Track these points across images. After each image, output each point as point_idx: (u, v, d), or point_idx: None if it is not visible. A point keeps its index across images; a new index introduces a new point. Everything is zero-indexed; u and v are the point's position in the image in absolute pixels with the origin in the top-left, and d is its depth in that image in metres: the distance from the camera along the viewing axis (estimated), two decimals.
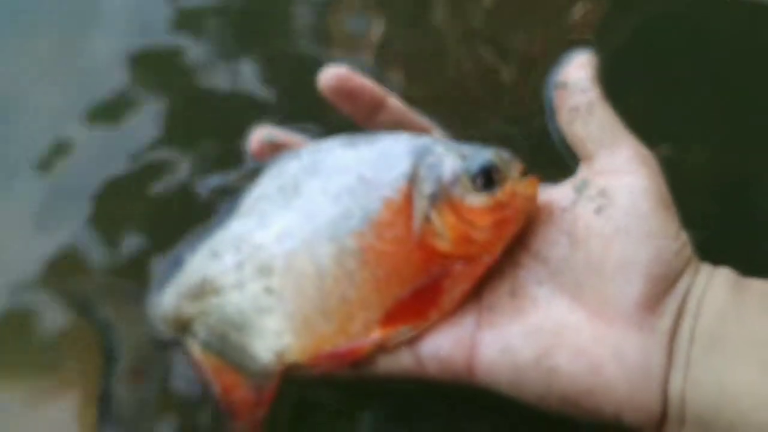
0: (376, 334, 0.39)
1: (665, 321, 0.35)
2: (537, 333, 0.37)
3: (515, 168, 0.39)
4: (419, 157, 0.40)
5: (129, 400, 0.44)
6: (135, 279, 0.46)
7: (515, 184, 0.39)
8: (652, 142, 0.40)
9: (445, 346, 0.38)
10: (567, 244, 0.38)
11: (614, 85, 0.42)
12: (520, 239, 0.40)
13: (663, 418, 0.35)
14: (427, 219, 0.38)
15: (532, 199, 0.39)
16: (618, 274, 0.36)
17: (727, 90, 0.47)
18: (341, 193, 0.39)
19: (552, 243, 0.39)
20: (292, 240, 0.39)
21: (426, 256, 0.39)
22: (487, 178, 0.38)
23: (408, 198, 0.39)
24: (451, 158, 0.39)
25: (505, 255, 0.40)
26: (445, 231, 0.38)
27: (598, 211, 0.37)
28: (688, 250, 0.37)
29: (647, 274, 0.36)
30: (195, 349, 0.42)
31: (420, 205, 0.39)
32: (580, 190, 0.39)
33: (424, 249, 0.39)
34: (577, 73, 0.41)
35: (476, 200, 0.38)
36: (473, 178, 0.38)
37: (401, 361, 0.39)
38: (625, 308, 0.36)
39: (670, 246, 0.36)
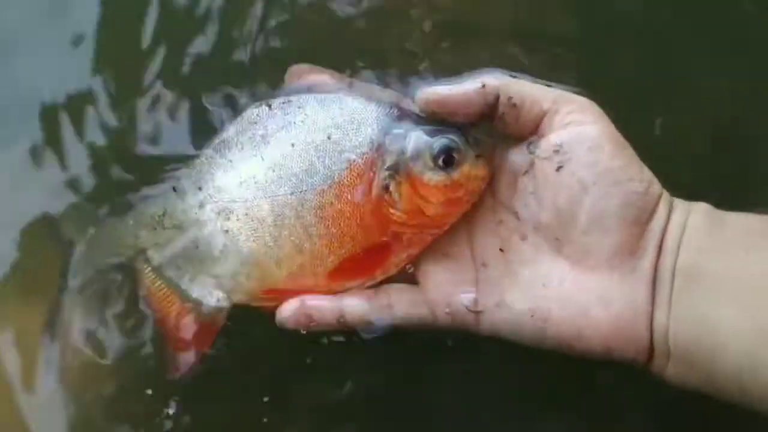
0: (323, 286, 0.41)
1: (645, 261, 0.37)
2: (526, 286, 0.39)
3: (474, 151, 0.41)
4: (386, 127, 0.41)
5: (78, 313, 0.46)
6: (101, 204, 0.47)
7: (471, 167, 0.41)
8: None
9: (454, 301, 0.41)
10: (535, 204, 0.40)
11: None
12: (500, 199, 0.42)
13: (651, 352, 0.37)
14: (385, 188, 0.41)
15: (484, 179, 0.41)
16: (593, 226, 0.38)
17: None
18: (308, 149, 0.41)
19: (522, 204, 0.41)
20: (255, 187, 0.41)
21: (380, 221, 0.41)
22: (448, 159, 0.40)
23: (371, 165, 0.41)
24: (416, 133, 0.41)
25: (490, 213, 0.42)
26: (400, 202, 0.40)
27: (559, 168, 0.39)
28: (657, 187, 0.38)
29: (621, 221, 0.37)
30: (147, 274, 0.44)
31: (381, 174, 0.41)
32: (533, 150, 0.40)
33: (379, 215, 0.41)
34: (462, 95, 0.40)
35: (434, 177, 0.40)
36: (435, 157, 0.40)
37: (417, 312, 0.41)
38: (605, 256, 0.38)
39: (638, 188, 0.38)
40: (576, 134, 0.39)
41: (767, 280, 0.35)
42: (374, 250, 0.41)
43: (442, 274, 0.41)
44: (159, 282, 0.43)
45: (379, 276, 0.42)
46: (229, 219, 0.41)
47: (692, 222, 0.38)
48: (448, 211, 0.41)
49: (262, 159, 0.41)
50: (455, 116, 0.40)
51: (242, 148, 0.42)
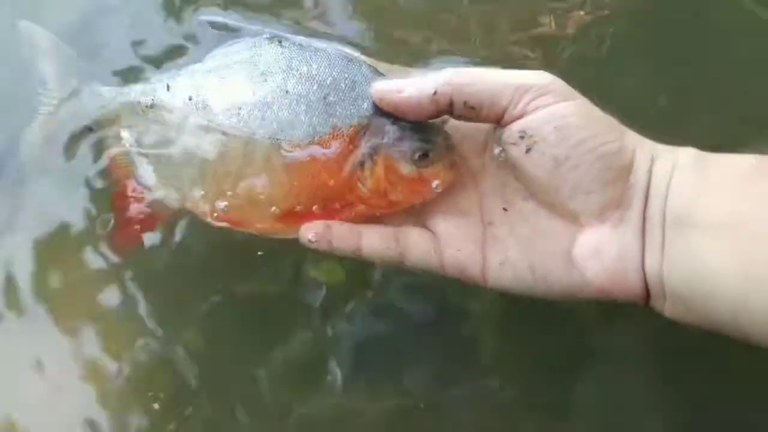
0: (266, 224, 0.44)
1: (632, 211, 0.39)
2: (527, 244, 0.42)
3: (448, 154, 0.43)
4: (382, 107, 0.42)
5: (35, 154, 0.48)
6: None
7: (441, 169, 0.42)
8: None
9: (461, 258, 0.43)
10: (520, 177, 0.42)
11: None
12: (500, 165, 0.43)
13: (647, 296, 0.39)
14: (360, 164, 0.42)
15: (447, 183, 0.43)
16: (577, 193, 0.39)
17: None
18: (300, 102, 0.42)
19: (512, 174, 0.43)
20: (237, 119, 0.42)
21: (342, 190, 0.43)
22: (424, 155, 0.42)
23: (353, 137, 0.42)
24: (403, 123, 0.42)
25: (495, 177, 0.43)
26: (369, 180, 0.42)
27: (529, 151, 0.39)
28: (630, 138, 0.40)
29: (602, 183, 0.39)
30: (116, 148, 0.46)
31: (362, 150, 0.42)
32: (498, 137, 0.42)
33: (345, 185, 0.43)
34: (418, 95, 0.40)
35: (407, 168, 0.42)
36: (414, 151, 0.42)
37: (428, 263, 0.43)
38: (594, 213, 0.40)
39: (611, 148, 0.39)
40: (538, 117, 0.39)
41: (755, 221, 0.36)
42: (326, 210, 0.44)
43: (453, 231, 0.43)
44: (123, 159, 0.46)
45: None
46: (205, 137, 0.43)
47: (679, 168, 0.39)
48: (405, 200, 0.43)
49: (253, 94, 0.42)
50: (407, 117, 0.42)
51: (239, 76, 0.43)
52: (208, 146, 0.43)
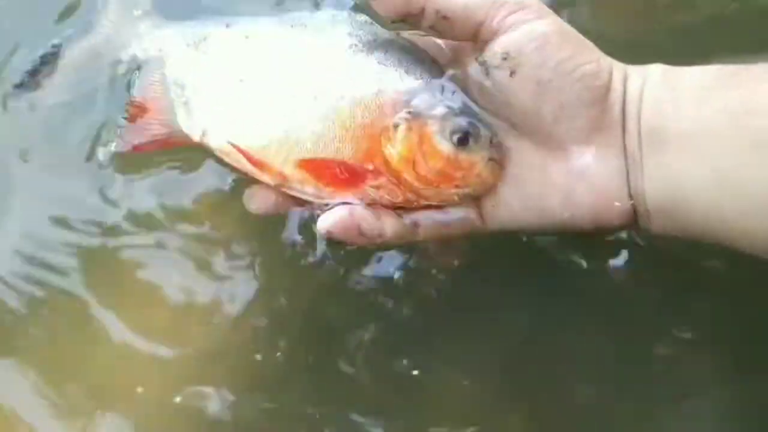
0: (286, 170, 0.42)
1: (614, 131, 0.40)
2: (517, 182, 0.41)
3: (491, 153, 0.41)
4: (431, 86, 0.42)
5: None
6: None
7: (479, 161, 0.41)
8: None
9: (460, 215, 0.43)
10: (505, 107, 0.41)
11: None
12: (481, 106, 0.42)
13: (634, 216, 0.40)
14: (395, 125, 0.41)
15: (484, 184, 0.41)
16: (559, 117, 0.40)
17: None
18: (349, 58, 0.43)
19: (495, 107, 0.42)
20: (288, 66, 0.43)
21: (371, 149, 0.41)
22: (463, 138, 0.40)
23: (396, 104, 0.41)
24: (451, 103, 0.42)
25: None
26: (400, 143, 0.41)
27: (513, 74, 0.40)
28: (605, 62, 0.40)
29: (583, 105, 0.39)
30: (155, 75, 0.46)
31: (400, 113, 0.41)
32: (482, 61, 0.41)
33: (374, 142, 0.41)
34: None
35: (443, 145, 0.40)
36: (454, 130, 0.40)
37: (438, 232, 0.43)
38: (577, 139, 0.40)
39: (590, 69, 0.39)
40: (519, 36, 0.39)
41: (720, 132, 0.37)
42: (350, 169, 0.41)
43: None
44: (159, 86, 0.45)
45: (338, 197, 0.42)
46: (250, 76, 0.43)
47: (649, 85, 0.39)
48: (434, 181, 0.41)
49: (306, 46, 0.43)
50: (377, 8, 0.41)
51: (300, 30, 0.44)
52: (250, 85, 0.43)
